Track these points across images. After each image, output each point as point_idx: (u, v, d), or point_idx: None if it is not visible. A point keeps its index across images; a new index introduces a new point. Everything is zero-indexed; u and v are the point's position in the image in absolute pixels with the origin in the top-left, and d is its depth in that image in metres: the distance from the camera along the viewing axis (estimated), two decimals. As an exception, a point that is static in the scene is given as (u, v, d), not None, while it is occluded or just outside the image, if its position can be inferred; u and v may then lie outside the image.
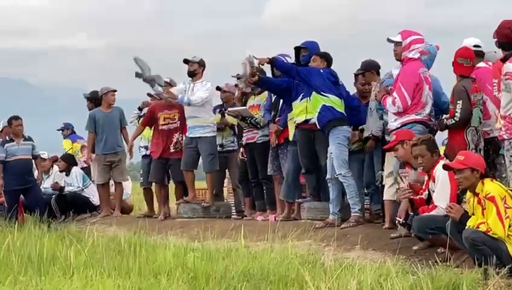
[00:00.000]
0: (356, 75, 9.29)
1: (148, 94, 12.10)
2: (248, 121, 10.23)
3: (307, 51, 9.41)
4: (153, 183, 12.09)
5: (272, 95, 10.00)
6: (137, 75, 11.13)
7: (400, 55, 8.11)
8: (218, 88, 11.24)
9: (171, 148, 11.36)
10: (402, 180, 7.72)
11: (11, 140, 12.70)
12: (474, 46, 7.97)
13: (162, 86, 11.22)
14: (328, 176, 8.91)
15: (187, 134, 11.11)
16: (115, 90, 12.67)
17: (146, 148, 12.15)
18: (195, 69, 10.99)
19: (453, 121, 7.52)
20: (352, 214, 8.71)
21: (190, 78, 11.05)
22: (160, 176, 11.65)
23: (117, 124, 12.53)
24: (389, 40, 8.18)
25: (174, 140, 11.35)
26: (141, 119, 12.25)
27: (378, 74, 8.97)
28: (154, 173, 11.65)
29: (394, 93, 8.00)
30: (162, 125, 11.48)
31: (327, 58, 9.17)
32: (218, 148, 11.16)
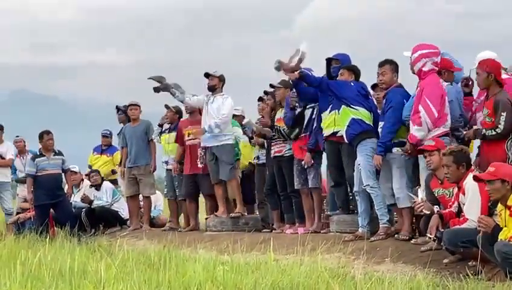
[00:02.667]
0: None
1: (166, 106, 12.17)
2: (276, 129, 10.28)
3: (338, 62, 9.39)
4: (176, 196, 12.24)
5: (296, 109, 9.96)
6: (156, 89, 11.27)
7: (412, 69, 8.23)
8: (261, 98, 11.20)
9: (198, 162, 11.41)
10: (416, 195, 7.71)
11: (42, 155, 12.80)
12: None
13: (183, 92, 11.32)
14: (355, 189, 8.88)
15: (204, 145, 11.17)
16: (133, 104, 12.71)
17: (166, 163, 12.19)
18: (215, 84, 11.13)
19: (494, 133, 7.42)
20: (380, 226, 8.67)
21: (210, 92, 11.17)
22: (191, 191, 11.71)
23: (141, 138, 12.53)
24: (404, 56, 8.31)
25: (199, 154, 11.39)
26: (163, 135, 12.28)
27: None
28: (186, 188, 11.72)
29: (420, 108, 7.99)
30: (187, 141, 11.57)
31: (355, 72, 9.16)
32: (255, 160, 11.26)
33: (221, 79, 11.19)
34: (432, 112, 7.94)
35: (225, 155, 11.00)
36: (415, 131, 8.02)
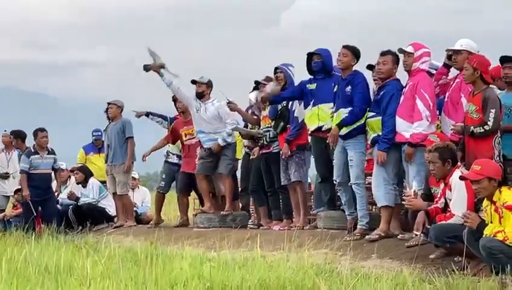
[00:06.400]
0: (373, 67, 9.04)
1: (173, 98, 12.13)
2: (261, 142, 10.34)
3: (319, 57, 9.35)
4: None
5: (279, 104, 9.97)
6: (146, 67, 11.10)
7: (410, 66, 8.21)
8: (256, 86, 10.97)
9: (196, 162, 11.45)
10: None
11: (36, 152, 12.77)
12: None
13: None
14: (339, 180, 8.78)
15: (204, 146, 11.20)
16: (110, 103, 12.77)
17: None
18: (203, 90, 11.15)
19: (482, 130, 7.35)
20: (358, 226, 8.65)
21: (199, 99, 11.15)
22: (184, 188, 11.85)
23: (118, 136, 12.51)
24: (400, 50, 8.27)
25: (198, 155, 11.43)
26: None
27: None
28: (180, 184, 11.84)
29: (417, 101, 8.01)
30: (186, 141, 11.69)
31: (357, 55, 8.91)
32: (244, 149, 11.27)
33: (209, 85, 11.22)
34: (429, 104, 7.99)
35: (229, 151, 11.12)
36: (416, 127, 7.99)
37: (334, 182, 8.91)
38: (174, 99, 11.87)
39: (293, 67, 9.95)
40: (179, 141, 12.04)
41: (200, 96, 11.14)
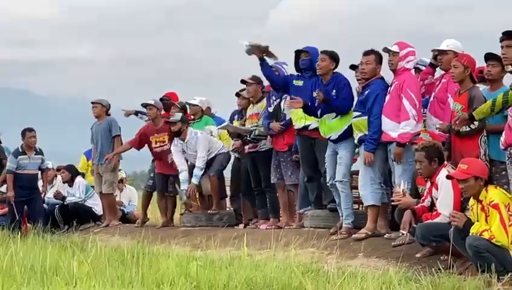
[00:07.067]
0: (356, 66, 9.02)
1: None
2: (245, 139, 10.30)
3: (307, 55, 9.33)
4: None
5: (272, 103, 9.96)
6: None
7: (395, 65, 8.21)
8: (237, 94, 11.05)
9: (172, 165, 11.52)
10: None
11: (24, 152, 12.72)
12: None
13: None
14: (333, 180, 8.81)
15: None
16: (93, 102, 12.76)
17: None
18: (180, 128, 11.08)
19: (468, 129, 7.38)
20: (343, 225, 8.67)
21: (178, 137, 11.10)
22: (162, 187, 11.86)
23: (105, 135, 12.50)
24: (385, 50, 8.27)
25: (169, 161, 11.50)
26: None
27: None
28: (159, 186, 11.89)
29: (404, 100, 8.01)
30: (155, 148, 11.76)
31: (336, 59, 8.98)
32: (234, 154, 11.27)
33: (184, 120, 11.14)
34: (415, 103, 8.00)
35: (222, 155, 11.16)
36: (404, 127, 7.99)
37: (328, 183, 8.92)
38: (145, 106, 11.91)
39: (286, 65, 9.90)
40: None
41: (178, 134, 11.10)
